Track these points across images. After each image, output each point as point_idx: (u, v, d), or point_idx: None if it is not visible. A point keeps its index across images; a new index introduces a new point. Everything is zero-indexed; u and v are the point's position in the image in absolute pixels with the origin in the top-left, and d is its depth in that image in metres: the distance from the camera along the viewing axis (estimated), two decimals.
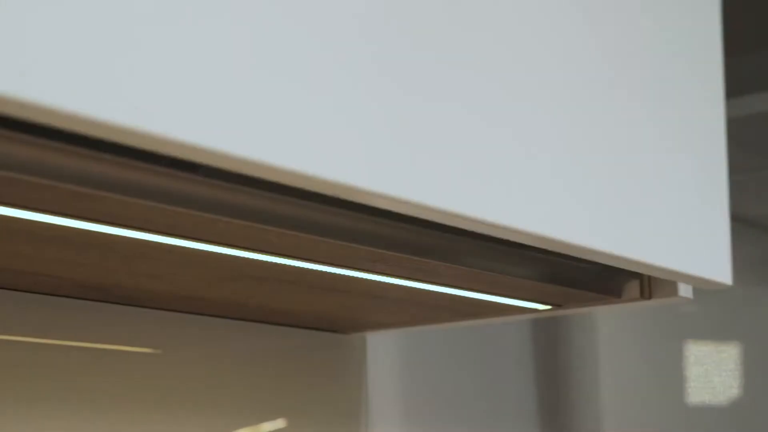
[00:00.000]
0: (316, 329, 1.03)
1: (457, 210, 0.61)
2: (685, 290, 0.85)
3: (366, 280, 0.78)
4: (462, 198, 0.61)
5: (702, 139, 0.81)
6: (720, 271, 0.80)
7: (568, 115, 0.70)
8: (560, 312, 0.93)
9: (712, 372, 1.71)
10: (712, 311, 1.72)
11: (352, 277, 0.77)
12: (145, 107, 0.47)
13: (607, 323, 1.45)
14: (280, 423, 0.99)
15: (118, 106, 0.46)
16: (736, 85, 1.30)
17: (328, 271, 0.74)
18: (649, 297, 0.85)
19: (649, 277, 0.86)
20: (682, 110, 0.79)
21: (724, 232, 0.81)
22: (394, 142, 0.58)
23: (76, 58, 0.44)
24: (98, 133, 0.45)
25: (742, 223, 1.79)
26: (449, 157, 0.61)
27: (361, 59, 0.58)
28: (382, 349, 1.11)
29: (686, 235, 0.78)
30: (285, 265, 0.72)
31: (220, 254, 0.69)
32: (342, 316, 0.97)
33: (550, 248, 0.69)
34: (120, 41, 0.46)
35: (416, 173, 0.59)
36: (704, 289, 0.82)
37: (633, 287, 0.86)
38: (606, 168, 0.72)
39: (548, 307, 0.91)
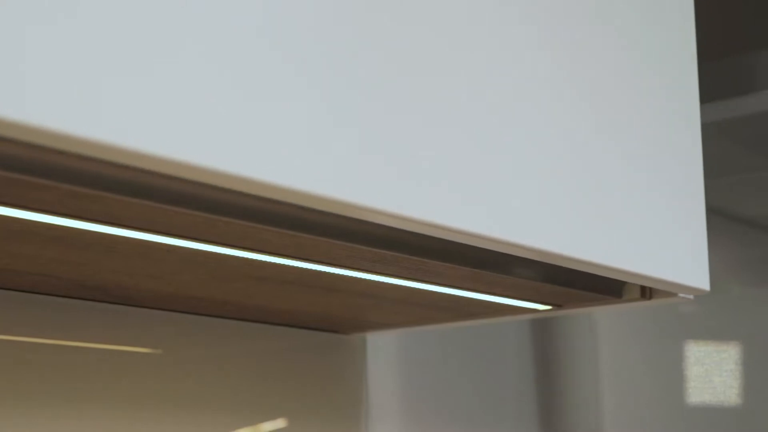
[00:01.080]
0: (316, 329, 1.03)
1: (449, 225, 0.62)
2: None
3: (366, 280, 0.78)
4: (453, 213, 0.62)
5: (679, 150, 0.82)
6: (698, 278, 0.82)
7: (550, 131, 0.71)
8: (560, 312, 0.93)
9: (713, 372, 1.71)
10: (712, 311, 1.72)
11: (352, 277, 0.77)
12: (129, 125, 0.47)
13: (607, 323, 1.45)
14: (280, 423, 0.99)
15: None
16: (736, 84, 1.30)
17: (328, 271, 0.74)
18: (649, 297, 0.85)
19: None
20: (659, 124, 0.80)
21: (701, 241, 0.82)
22: (383, 158, 0.59)
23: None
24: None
25: (742, 223, 1.79)
26: (441, 172, 0.62)
27: (346, 76, 0.58)
28: (382, 349, 1.11)
29: (665, 243, 0.79)
30: (285, 265, 0.72)
31: (220, 254, 0.69)
32: (342, 316, 0.97)
33: (533, 258, 0.70)
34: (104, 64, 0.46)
35: (408, 188, 0.60)
36: (683, 294, 0.84)
37: (633, 288, 0.86)
38: (587, 180, 0.73)
39: (548, 307, 0.91)
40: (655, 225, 0.78)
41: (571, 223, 0.71)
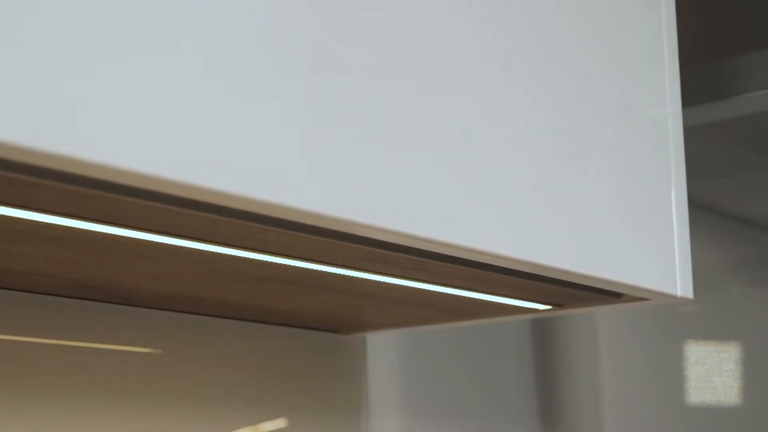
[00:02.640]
0: (316, 329, 1.03)
1: (442, 239, 0.63)
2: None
3: (366, 280, 0.78)
4: (438, 224, 0.63)
5: (661, 159, 0.82)
6: (682, 286, 0.82)
7: (525, 143, 0.72)
8: (560, 312, 0.93)
9: (713, 372, 1.71)
10: (712, 311, 1.72)
11: (352, 277, 0.77)
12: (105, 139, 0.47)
13: (607, 323, 1.45)
14: (280, 423, 0.99)
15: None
16: (735, 84, 1.30)
17: (328, 271, 0.74)
18: (649, 297, 0.85)
19: None
20: (642, 134, 0.81)
21: (684, 249, 0.83)
22: (377, 173, 0.59)
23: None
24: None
25: (742, 223, 1.78)
26: (432, 188, 0.63)
27: (329, 97, 0.58)
28: (382, 349, 1.11)
29: (647, 252, 0.80)
30: (285, 265, 0.72)
31: (220, 254, 0.69)
32: (342, 316, 0.97)
33: (518, 268, 0.71)
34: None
35: (406, 205, 0.61)
36: (665, 302, 0.85)
37: None
38: (568, 191, 0.74)
39: (548, 307, 0.91)
40: (640, 238, 0.79)
41: (554, 235, 0.72)
